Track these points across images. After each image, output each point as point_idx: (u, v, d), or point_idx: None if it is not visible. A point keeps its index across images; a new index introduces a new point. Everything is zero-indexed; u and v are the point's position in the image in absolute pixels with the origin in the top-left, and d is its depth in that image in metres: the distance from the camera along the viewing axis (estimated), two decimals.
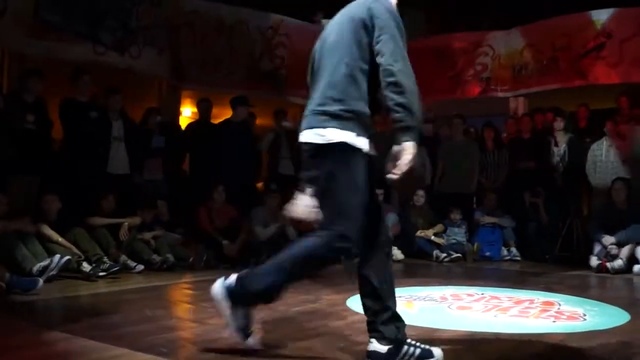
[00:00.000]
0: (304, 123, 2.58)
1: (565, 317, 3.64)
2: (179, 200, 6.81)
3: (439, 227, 7.65)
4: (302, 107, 9.92)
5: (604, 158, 7.30)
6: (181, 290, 4.85)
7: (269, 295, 2.54)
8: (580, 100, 8.27)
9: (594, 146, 7.41)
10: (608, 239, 6.32)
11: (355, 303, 3.95)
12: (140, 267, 5.53)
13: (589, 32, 8.20)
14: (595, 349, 2.79)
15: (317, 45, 2.71)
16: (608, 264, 6.11)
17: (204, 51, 7.57)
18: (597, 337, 3.06)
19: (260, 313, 3.48)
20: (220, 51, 7.71)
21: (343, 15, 2.61)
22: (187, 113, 9.33)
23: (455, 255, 7.23)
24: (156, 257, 5.74)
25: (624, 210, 6.51)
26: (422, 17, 10.57)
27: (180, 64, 7.40)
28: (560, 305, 4.01)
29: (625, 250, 6.22)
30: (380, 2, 2.51)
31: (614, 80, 8.09)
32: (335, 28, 2.60)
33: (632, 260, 6.15)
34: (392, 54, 2.40)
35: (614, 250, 6.23)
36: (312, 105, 2.57)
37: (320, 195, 2.53)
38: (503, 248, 7.62)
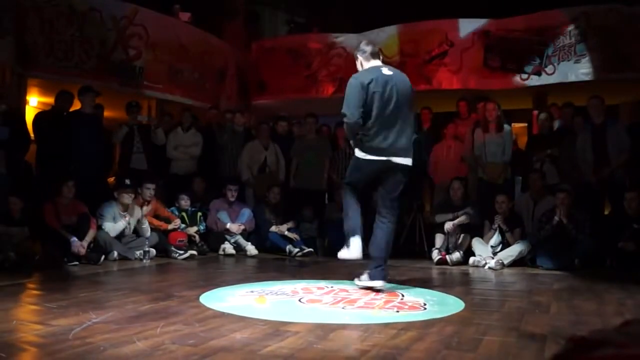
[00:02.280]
0: (403, 151, 4.34)
1: (407, 307, 3.85)
2: (25, 194, 6.41)
3: (292, 223, 7.80)
4: (158, 101, 9.59)
5: (444, 158, 7.89)
6: (25, 290, 4.54)
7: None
8: (426, 103, 8.84)
9: (437, 147, 7.97)
10: (443, 217, 6.94)
11: (207, 299, 3.97)
12: None
13: (434, 39, 8.81)
14: (432, 335, 3.03)
15: (389, 87, 4.27)
16: (447, 257, 6.58)
17: (53, 38, 7.19)
18: (435, 324, 3.30)
19: (109, 312, 3.44)
20: (70, 39, 7.36)
21: (402, 81, 4.42)
22: (34, 102, 8.78)
23: (307, 249, 7.42)
24: None
25: (459, 205, 7.03)
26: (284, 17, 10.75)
27: (27, 50, 6.97)
28: (403, 296, 4.24)
29: (462, 244, 6.76)
30: None
31: (455, 85, 8.76)
32: (402, 89, 4.36)
33: (468, 253, 6.69)
34: None
35: (442, 218, 6.93)
36: (405, 140, 4.35)
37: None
38: None
